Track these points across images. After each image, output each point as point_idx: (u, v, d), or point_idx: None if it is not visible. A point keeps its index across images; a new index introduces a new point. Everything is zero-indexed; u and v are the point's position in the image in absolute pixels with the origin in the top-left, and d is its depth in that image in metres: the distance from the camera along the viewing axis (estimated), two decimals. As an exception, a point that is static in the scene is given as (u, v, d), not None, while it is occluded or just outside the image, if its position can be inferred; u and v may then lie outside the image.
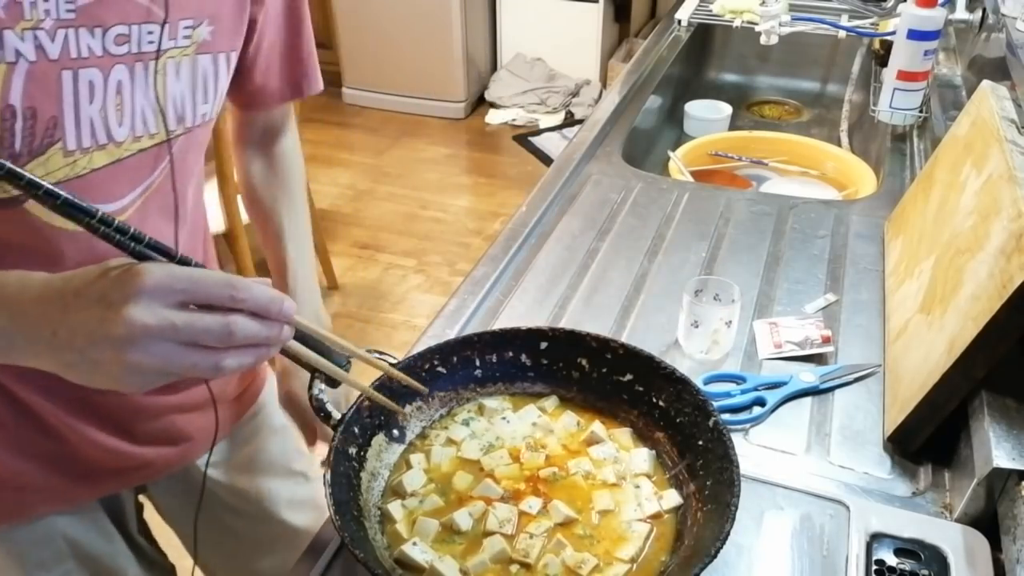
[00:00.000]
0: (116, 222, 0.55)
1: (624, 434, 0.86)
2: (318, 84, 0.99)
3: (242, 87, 0.91)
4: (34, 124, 0.64)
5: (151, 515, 1.09)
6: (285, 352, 0.66)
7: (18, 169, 0.51)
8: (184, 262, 0.57)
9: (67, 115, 0.66)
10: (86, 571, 0.93)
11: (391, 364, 0.85)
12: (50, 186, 0.53)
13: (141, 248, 0.57)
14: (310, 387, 0.81)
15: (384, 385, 0.82)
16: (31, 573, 0.89)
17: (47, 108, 0.64)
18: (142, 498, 1.06)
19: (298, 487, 1.13)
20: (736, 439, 0.80)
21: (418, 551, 0.74)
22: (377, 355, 0.85)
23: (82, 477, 0.89)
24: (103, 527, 0.95)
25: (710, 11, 2.09)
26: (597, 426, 0.86)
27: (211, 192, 2.34)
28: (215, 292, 0.54)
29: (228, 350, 0.55)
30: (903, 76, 1.54)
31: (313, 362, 0.69)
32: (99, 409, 0.85)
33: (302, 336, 0.67)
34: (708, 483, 0.77)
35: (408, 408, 0.87)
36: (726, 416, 0.94)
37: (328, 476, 0.74)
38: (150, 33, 0.70)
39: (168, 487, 1.03)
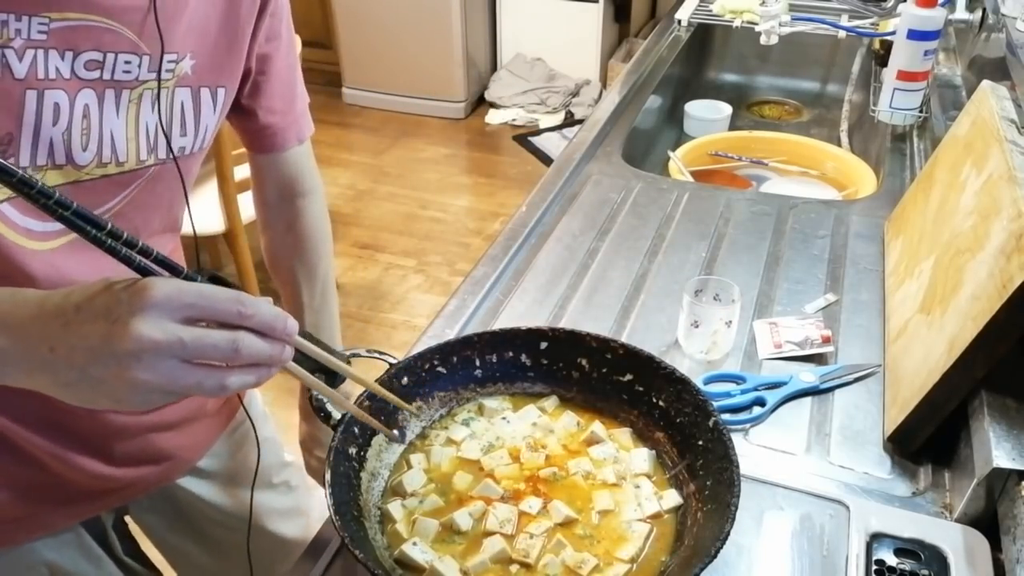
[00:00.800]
0: (125, 235, 0.54)
1: (624, 434, 0.86)
2: (311, 126, 0.99)
3: (248, 126, 0.91)
4: None
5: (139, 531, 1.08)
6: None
7: (27, 175, 0.50)
8: (190, 278, 0.56)
9: (24, 133, 0.65)
10: None
11: (391, 364, 0.85)
12: (61, 196, 0.52)
13: (147, 263, 0.55)
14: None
15: (383, 385, 0.83)
16: None
17: (4, 124, 0.64)
18: (126, 518, 1.05)
19: (282, 497, 1.13)
20: (736, 439, 0.80)
21: (418, 551, 0.74)
22: (377, 355, 0.85)
23: (62, 503, 0.87)
24: (88, 550, 0.94)
25: (710, 11, 2.09)
26: (597, 426, 0.86)
27: (211, 192, 2.34)
28: (223, 308, 0.53)
29: (232, 368, 0.54)
30: (903, 76, 1.54)
31: (308, 383, 0.68)
32: (76, 432, 0.84)
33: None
34: (708, 483, 0.77)
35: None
36: (726, 416, 0.94)
37: (328, 476, 0.74)
38: (127, 63, 0.70)
39: (150, 506, 1.02)
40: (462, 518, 0.77)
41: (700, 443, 0.80)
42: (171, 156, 0.77)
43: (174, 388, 0.52)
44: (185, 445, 0.97)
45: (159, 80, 0.72)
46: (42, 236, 0.71)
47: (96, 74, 0.68)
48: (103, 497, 0.91)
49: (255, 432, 1.02)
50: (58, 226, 0.67)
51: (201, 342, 0.52)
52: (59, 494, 0.86)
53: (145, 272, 0.55)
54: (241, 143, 0.97)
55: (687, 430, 0.82)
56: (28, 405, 0.79)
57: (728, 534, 0.68)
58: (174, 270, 0.56)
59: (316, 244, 1.06)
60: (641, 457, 0.83)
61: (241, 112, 0.89)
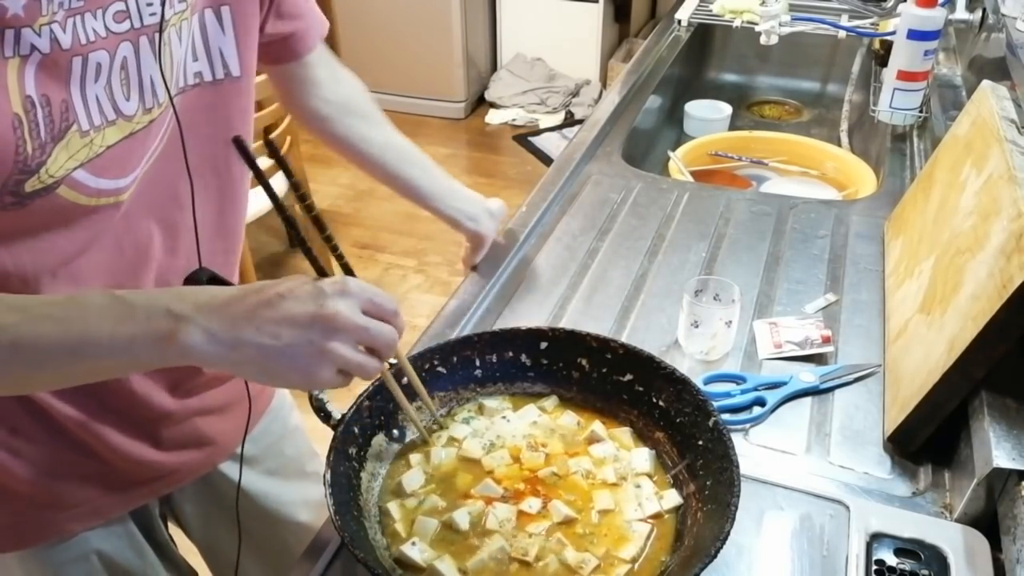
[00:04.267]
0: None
1: (624, 434, 0.86)
2: (325, 21, 1.00)
3: (272, 40, 0.91)
4: (50, 110, 0.65)
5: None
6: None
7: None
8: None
9: (75, 96, 0.66)
10: None
11: (391, 364, 0.85)
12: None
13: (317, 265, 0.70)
14: None
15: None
16: None
17: (57, 93, 0.65)
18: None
19: (312, 487, 1.12)
20: (736, 439, 0.80)
21: (417, 551, 0.74)
22: None
23: (113, 490, 0.89)
24: (134, 540, 0.95)
25: (710, 11, 2.09)
26: (597, 426, 0.86)
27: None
28: (388, 307, 0.67)
29: (374, 356, 0.67)
30: (903, 76, 1.54)
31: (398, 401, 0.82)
32: (127, 417, 0.85)
33: None
34: (708, 483, 0.77)
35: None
36: (726, 416, 0.94)
37: (328, 476, 0.74)
38: (149, 5, 0.70)
39: (192, 494, 1.03)
40: (461, 517, 0.77)
41: (700, 443, 0.80)
42: (173, 91, 0.77)
43: (348, 366, 0.65)
44: (227, 430, 0.98)
45: (163, 20, 0.72)
46: (112, 192, 0.73)
47: (126, 25, 0.69)
48: (151, 484, 0.93)
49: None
50: (125, 182, 0.73)
51: (379, 331, 0.66)
52: (110, 481, 0.88)
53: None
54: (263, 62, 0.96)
55: (687, 430, 0.82)
56: (82, 391, 0.80)
57: (728, 534, 0.68)
58: (323, 272, 0.70)
59: (360, 97, 1.09)
60: (642, 457, 0.83)
61: (263, 33, 0.89)
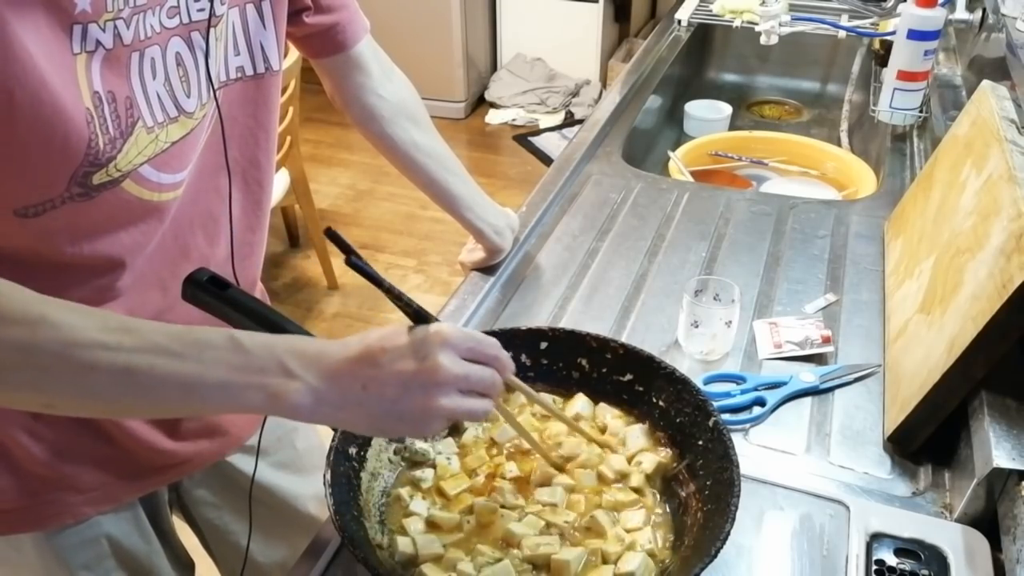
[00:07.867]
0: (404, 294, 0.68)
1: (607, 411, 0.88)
2: (366, 20, 1.01)
3: (314, 33, 0.92)
4: (116, 106, 0.66)
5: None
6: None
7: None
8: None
9: (138, 93, 0.68)
10: (124, 570, 0.94)
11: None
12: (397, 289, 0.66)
13: (412, 310, 0.67)
14: None
15: None
16: (77, 574, 0.90)
17: (121, 89, 0.66)
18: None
19: (321, 481, 1.12)
20: (736, 439, 0.80)
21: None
22: None
23: (128, 476, 0.90)
24: (141, 525, 0.96)
25: (710, 11, 2.09)
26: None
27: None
28: (488, 351, 0.67)
29: (486, 397, 0.67)
30: (903, 76, 1.54)
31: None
32: None
33: None
34: (708, 483, 0.77)
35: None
36: (726, 416, 0.94)
37: (328, 476, 0.74)
38: (197, 0, 0.71)
39: (202, 480, 1.04)
40: (510, 520, 0.77)
41: (700, 443, 0.80)
42: (215, 84, 0.77)
43: (457, 413, 0.65)
44: (239, 422, 0.99)
45: (211, 17, 0.72)
46: (171, 187, 0.74)
47: (176, 21, 0.70)
48: (163, 471, 0.93)
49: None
50: (182, 176, 0.75)
51: (480, 376, 0.66)
52: (125, 468, 0.89)
53: (415, 317, 0.67)
54: (308, 56, 0.98)
55: (687, 430, 0.82)
56: None
57: (728, 534, 0.68)
58: (427, 319, 0.67)
59: (409, 100, 1.12)
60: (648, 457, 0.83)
61: (304, 25, 0.91)
